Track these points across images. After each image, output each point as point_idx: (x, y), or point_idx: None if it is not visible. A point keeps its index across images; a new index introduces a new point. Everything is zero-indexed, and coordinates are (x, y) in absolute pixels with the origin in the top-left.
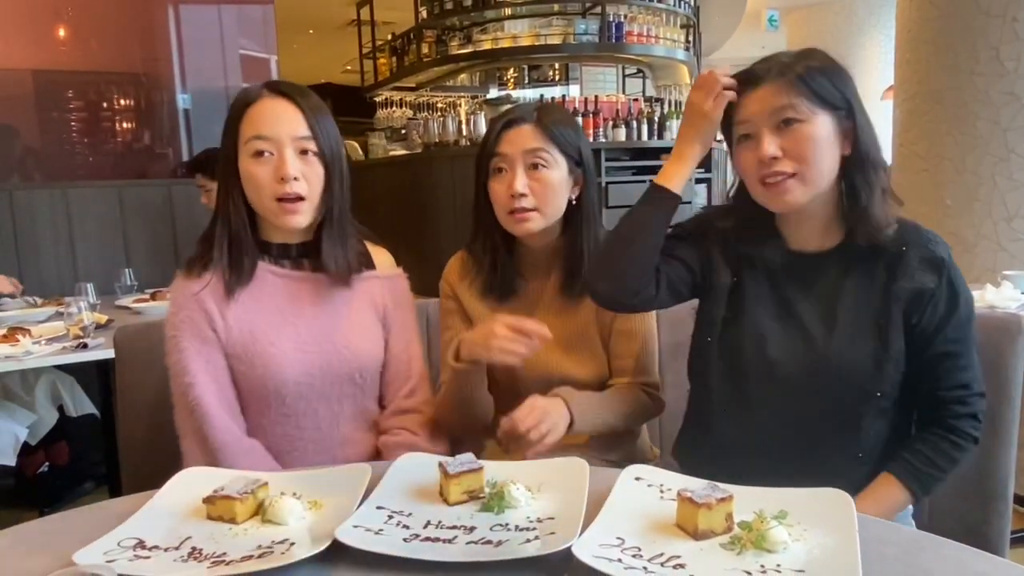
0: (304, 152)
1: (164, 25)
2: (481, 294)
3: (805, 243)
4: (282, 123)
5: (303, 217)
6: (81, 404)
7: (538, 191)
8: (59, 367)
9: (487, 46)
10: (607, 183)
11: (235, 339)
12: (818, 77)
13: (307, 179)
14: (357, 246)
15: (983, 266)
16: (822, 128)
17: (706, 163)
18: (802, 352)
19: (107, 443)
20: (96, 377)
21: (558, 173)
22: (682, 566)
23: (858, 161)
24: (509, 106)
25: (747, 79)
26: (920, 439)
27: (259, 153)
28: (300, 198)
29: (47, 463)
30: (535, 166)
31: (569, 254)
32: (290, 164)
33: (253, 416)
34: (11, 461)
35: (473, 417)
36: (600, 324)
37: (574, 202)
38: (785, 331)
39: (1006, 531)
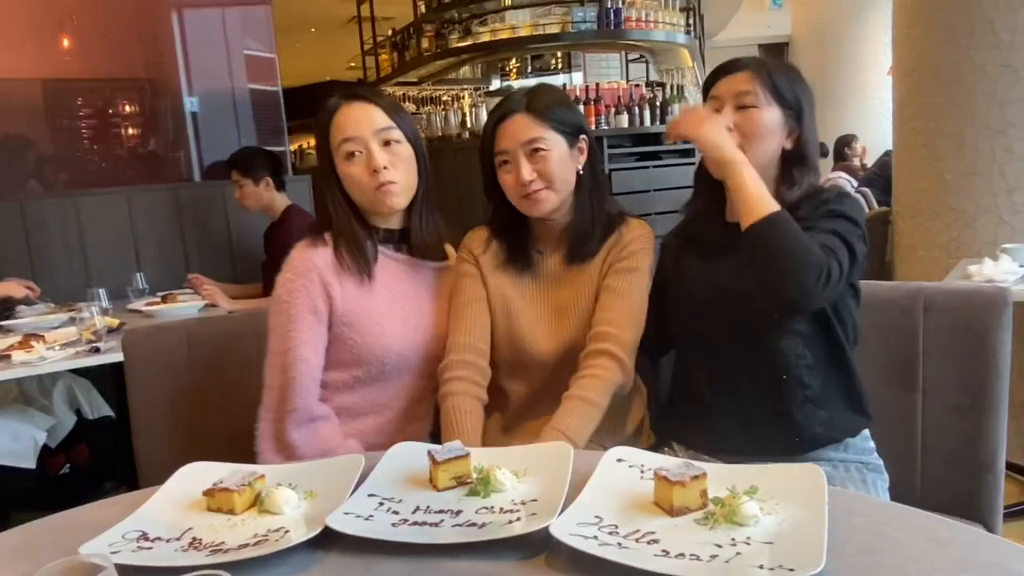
0: (387, 142)
1: (168, 30)
2: (498, 267)
3: (735, 215)
4: (362, 122)
5: (399, 198)
6: (98, 407)
7: (544, 172)
8: (75, 371)
9: (486, 38)
10: (610, 170)
11: (350, 309)
12: (781, 77)
13: (395, 165)
14: (440, 232)
15: (984, 240)
16: (771, 115)
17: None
18: (717, 291)
19: (124, 444)
20: (111, 380)
21: (558, 152)
22: (656, 541)
23: (796, 158)
24: (500, 97)
25: (729, 66)
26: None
27: (351, 154)
28: (392, 182)
29: (68, 465)
30: (535, 151)
31: (579, 221)
32: (378, 156)
33: (349, 376)
34: (31, 464)
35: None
36: (594, 289)
37: (581, 172)
38: (704, 276)
39: (997, 502)
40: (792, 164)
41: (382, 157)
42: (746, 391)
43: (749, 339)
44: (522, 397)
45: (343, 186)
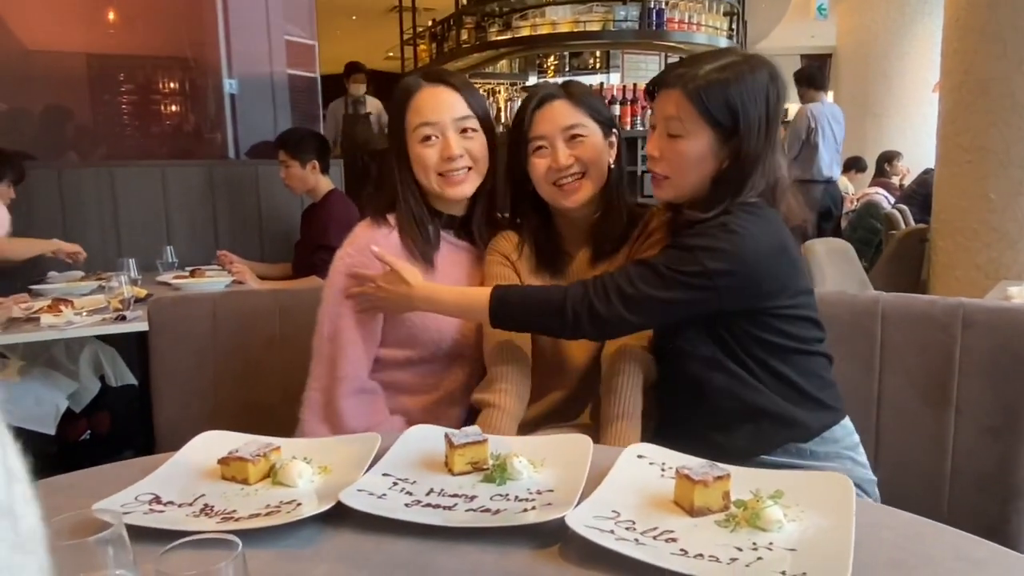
0: (464, 130)
1: (212, 10)
2: (532, 271)
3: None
4: (443, 108)
5: (468, 186)
6: (121, 374)
7: (582, 157)
8: (101, 338)
9: (525, 32)
10: (642, 172)
11: None
12: (714, 92)
13: (471, 152)
14: (499, 222)
15: None
16: (698, 144)
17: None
18: None
19: (145, 413)
20: (137, 349)
21: (595, 139)
22: (674, 540)
23: (727, 177)
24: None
25: (661, 80)
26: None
27: (427, 138)
28: (468, 168)
29: (89, 431)
30: (573, 138)
31: (606, 218)
32: (455, 144)
33: (403, 355)
34: (51, 430)
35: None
36: None
37: (612, 167)
38: None
39: None
40: (718, 185)
41: (458, 145)
42: (673, 408)
43: (667, 362)
44: (558, 400)
45: (412, 167)
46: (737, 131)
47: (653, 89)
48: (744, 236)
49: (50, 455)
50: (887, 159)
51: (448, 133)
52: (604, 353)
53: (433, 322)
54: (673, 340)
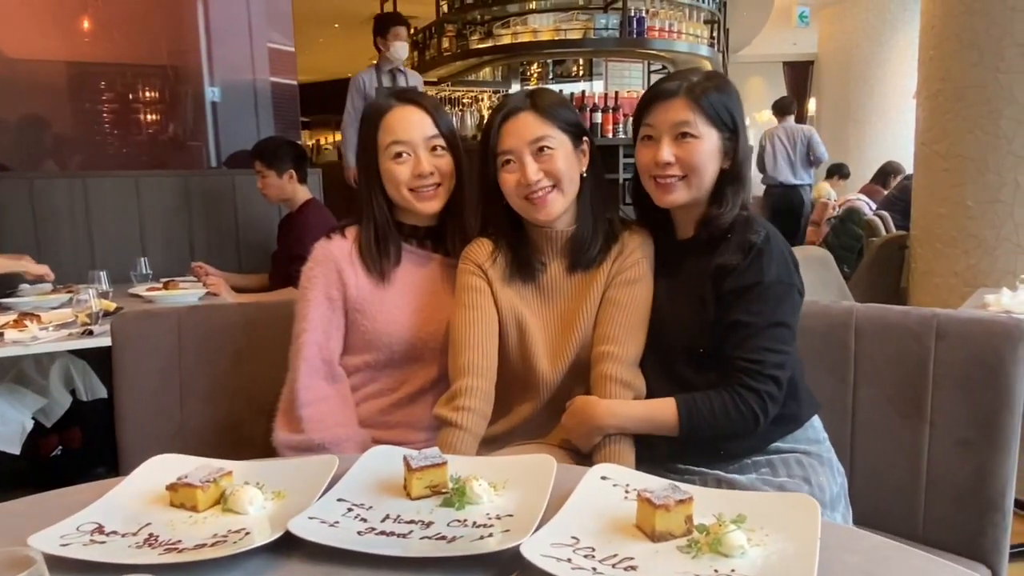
0: (434, 148)
1: (193, 17)
2: (506, 279)
3: (683, 233)
4: (414, 127)
5: (437, 202)
6: (93, 388)
7: (551, 171)
8: (73, 351)
9: (507, 40)
10: (624, 179)
11: (364, 297)
12: (716, 97)
13: (439, 170)
14: (470, 233)
15: (1003, 269)
16: (710, 144)
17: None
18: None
19: (115, 428)
20: (108, 363)
21: (564, 151)
22: (633, 568)
23: (731, 176)
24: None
25: (661, 92)
26: (715, 391)
27: (398, 155)
28: (438, 185)
29: (60, 447)
30: (541, 150)
31: (581, 228)
32: (425, 162)
33: (361, 360)
34: (16, 450)
35: None
36: (598, 301)
37: (584, 176)
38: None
39: (1003, 543)
40: (726, 184)
41: (429, 163)
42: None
43: (661, 365)
44: (525, 415)
45: (384, 183)
46: (736, 132)
47: (646, 105)
48: (774, 238)
49: (20, 472)
50: (893, 171)
51: (419, 151)
52: (592, 377)
53: (384, 327)
54: (694, 352)
